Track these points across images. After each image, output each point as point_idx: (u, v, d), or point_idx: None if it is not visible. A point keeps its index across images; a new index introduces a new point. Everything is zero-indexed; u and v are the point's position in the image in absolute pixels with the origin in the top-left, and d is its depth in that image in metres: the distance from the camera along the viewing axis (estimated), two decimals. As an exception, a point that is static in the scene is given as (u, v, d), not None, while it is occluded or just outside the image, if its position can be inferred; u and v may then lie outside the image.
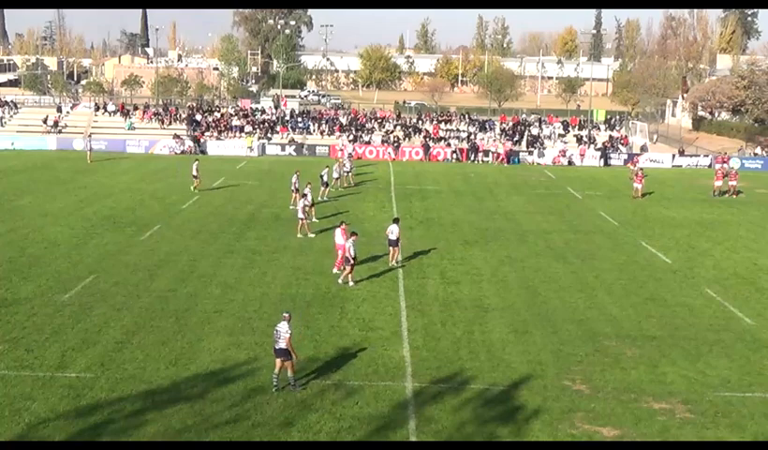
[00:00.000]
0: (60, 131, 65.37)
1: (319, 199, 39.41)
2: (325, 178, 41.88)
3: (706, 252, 32.08)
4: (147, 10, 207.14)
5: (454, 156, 61.83)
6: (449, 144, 63.90)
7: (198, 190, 42.55)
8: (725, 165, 53.93)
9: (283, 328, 17.02)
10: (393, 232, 27.83)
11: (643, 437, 15.73)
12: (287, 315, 17.35)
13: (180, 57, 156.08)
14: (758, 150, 69.54)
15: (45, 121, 65.96)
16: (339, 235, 26.75)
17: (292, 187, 38.79)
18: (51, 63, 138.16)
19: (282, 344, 16.98)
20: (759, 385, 18.42)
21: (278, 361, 17.12)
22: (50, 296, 23.32)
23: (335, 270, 26.48)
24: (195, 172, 43.37)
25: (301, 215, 32.46)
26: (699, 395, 17.74)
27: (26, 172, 49.33)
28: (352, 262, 25.20)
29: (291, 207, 38.05)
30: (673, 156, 64.15)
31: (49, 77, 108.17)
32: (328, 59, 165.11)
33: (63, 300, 22.97)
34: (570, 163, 61.74)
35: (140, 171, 51.32)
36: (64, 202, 38.97)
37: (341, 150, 58.04)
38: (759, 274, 28.82)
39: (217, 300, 23.47)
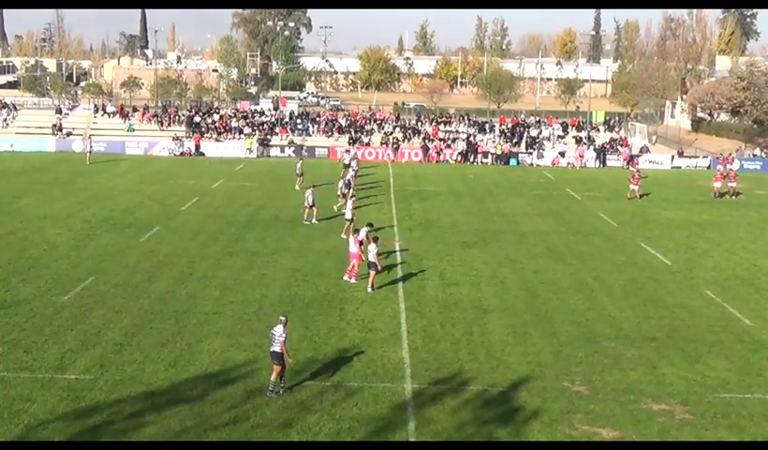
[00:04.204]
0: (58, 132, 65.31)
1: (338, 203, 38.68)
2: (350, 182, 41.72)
3: (705, 253, 32.09)
4: (146, 12, 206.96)
5: (458, 155, 61.99)
6: (449, 146, 63.92)
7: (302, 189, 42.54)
8: (728, 166, 53.87)
9: (278, 331, 16.92)
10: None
11: (643, 438, 15.73)
12: (283, 318, 17.24)
13: (179, 59, 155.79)
14: (757, 151, 69.60)
15: (60, 128, 65.48)
16: (352, 244, 26.03)
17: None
18: (51, 65, 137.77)
19: (276, 347, 16.90)
20: (758, 387, 18.43)
21: (274, 364, 17.04)
22: (49, 298, 23.30)
23: (345, 277, 25.82)
24: (299, 171, 44.63)
25: (348, 215, 32.13)
26: (698, 396, 17.74)
27: (25, 173, 49.28)
28: (379, 267, 25.04)
29: (306, 222, 35.66)
30: (672, 157, 64.21)
31: (48, 79, 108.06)
32: (327, 61, 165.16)
33: (62, 302, 22.95)
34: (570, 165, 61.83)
35: (140, 172, 51.29)
36: (63, 203, 38.95)
37: (346, 152, 56.92)
38: (758, 275, 28.84)
39: (216, 301, 23.47)
